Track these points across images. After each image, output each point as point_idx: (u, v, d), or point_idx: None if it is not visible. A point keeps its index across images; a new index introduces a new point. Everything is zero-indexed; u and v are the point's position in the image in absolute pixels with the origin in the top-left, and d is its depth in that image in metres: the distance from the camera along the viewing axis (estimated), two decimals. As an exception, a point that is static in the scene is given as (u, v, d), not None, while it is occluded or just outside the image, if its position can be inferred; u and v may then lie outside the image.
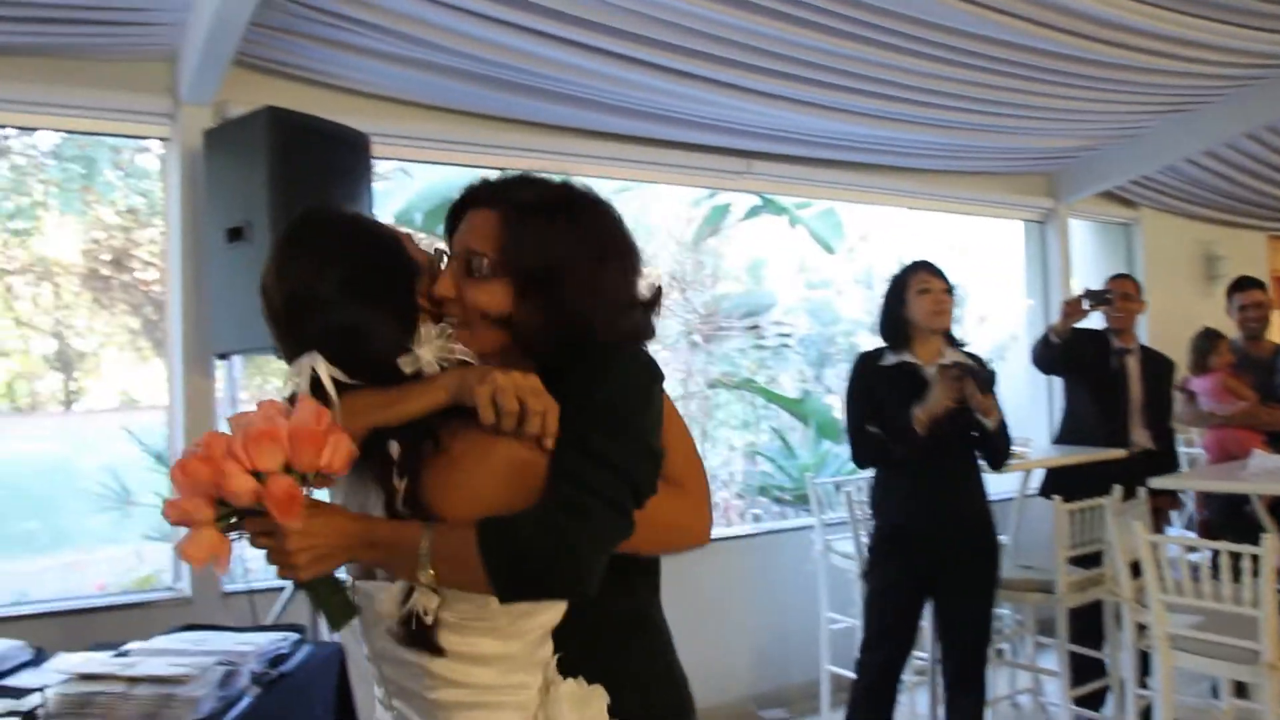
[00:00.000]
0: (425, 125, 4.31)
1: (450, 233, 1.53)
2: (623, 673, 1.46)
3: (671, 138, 4.89)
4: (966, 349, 3.64)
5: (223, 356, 3.67)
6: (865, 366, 3.64)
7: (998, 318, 7.56)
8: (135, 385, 10.28)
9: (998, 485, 5.80)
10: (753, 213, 7.55)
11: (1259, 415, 4.93)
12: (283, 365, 1.46)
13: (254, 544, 1.31)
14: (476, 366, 1.40)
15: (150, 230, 10.69)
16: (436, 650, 1.34)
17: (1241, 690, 3.38)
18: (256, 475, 1.24)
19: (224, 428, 1.30)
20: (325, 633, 3.13)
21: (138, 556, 5.65)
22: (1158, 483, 3.93)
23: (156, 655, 2.33)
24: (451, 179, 6.87)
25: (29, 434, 8.60)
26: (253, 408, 1.30)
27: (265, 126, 3.29)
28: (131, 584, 5.23)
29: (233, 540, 1.31)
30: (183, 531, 1.29)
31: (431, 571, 1.29)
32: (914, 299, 3.58)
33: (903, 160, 5.72)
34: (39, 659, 2.64)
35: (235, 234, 3.34)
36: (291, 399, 1.35)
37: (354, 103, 4.08)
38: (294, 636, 2.64)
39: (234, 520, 1.28)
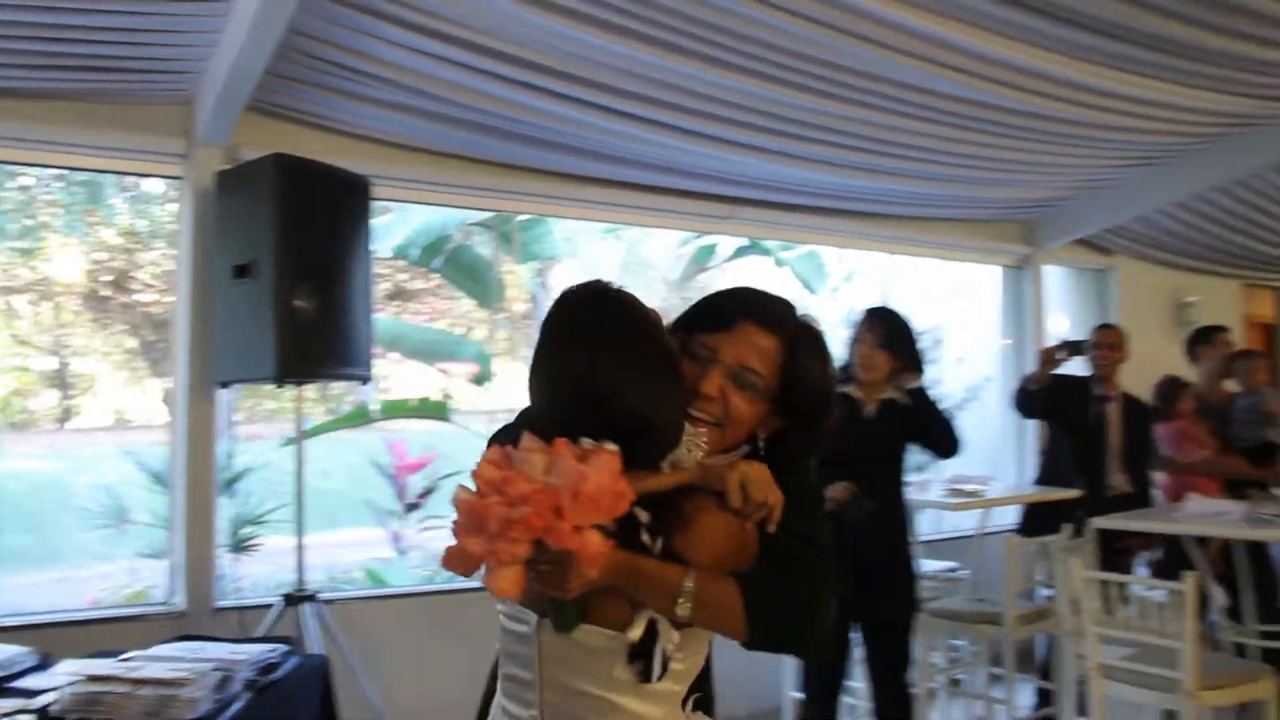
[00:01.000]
0: (423, 169, 4.55)
1: (709, 326, 1.66)
2: (707, 706, 1.70)
3: (659, 184, 5.13)
4: (908, 387, 3.84)
5: (224, 385, 3.88)
6: None
7: (974, 358, 7.78)
8: (130, 405, 10.46)
9: (957, 522, 6.04)
10: (739, 253, 7.81)
11: (1218, 464, 5.13)
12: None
13: (539, 574, 1.40)
14: (718, 457, 1.61)
15: (152, 253, 10.91)
16: (654, 678, 1.51)
17: (1173, 720, 3.58)
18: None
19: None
20: (312, 646, 3.34)
21: (131, 573, 5.82)
22: (1100, 523, 4.14)
23: (157, 661, 2.53)
24: (448, 216, 7.12)
25: (24, 450, 8.75)
26: (531, 447, 1.39)
27: (273, 171, 3.53)
28: (124, 600, 5.40)
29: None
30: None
31: (690, 606, 1.47)
32: (853, 346, 3.83)
33: (883, 208, 5.97)
34: (45, 664, 2.84)
35: (242, 270, 3.57)
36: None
37: (355, 146, 4.32)
38: (283, 648, 2.85)
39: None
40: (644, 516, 1.48)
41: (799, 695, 3.94)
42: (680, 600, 1.48)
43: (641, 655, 1.51)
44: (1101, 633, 3.39)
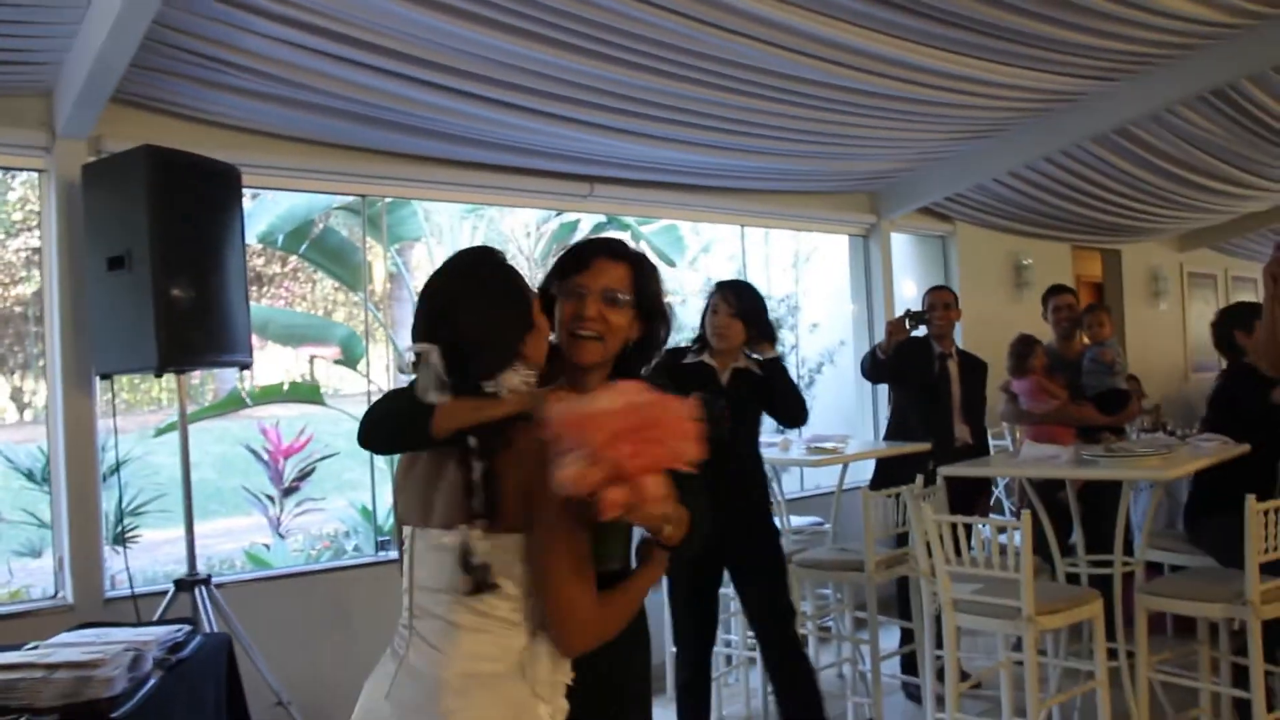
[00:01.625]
0: (290, 156, 4.59)
1: (572, 271, 2.10)
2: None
3: (518, 164, 5.27)
4: (755, 357, 4.04)
5: (104, 376, 3.89)
6: (667, 359, 4.01)
7: (827, 324, 8.15)
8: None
9: (819, 479, 6.38)
10: (598, 228, 8.01)
11: (1070, 412, 5.49)
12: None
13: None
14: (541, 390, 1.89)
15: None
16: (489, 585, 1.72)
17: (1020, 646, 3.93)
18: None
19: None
20: (210, 625, 3.42)
21: (8, 572, 5.73)
22: (946, 471, 4.46)
23: (67, 647, 2.60)
24: (312, 202, 7.12)
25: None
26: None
27: (143, 163, 3.55)
28: (4, 598, 5.33)
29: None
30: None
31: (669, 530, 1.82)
32: (709, 316, 4.02)
33: (735, 182, 6.24)
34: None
35: (116, 262, 3.59)
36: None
37: (222, 135, 4.34)
38: (186, 628, 2.94)
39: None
40: (474, 441, 1.75)
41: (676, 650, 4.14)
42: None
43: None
44: (952, 570, 3.71)
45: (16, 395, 10.84)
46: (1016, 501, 5.55)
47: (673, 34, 4.14)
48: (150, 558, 6.00)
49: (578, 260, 2.14)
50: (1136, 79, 5.67)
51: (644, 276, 2.12)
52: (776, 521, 4.31)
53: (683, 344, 4.15)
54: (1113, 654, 4.19)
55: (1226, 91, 6.08)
